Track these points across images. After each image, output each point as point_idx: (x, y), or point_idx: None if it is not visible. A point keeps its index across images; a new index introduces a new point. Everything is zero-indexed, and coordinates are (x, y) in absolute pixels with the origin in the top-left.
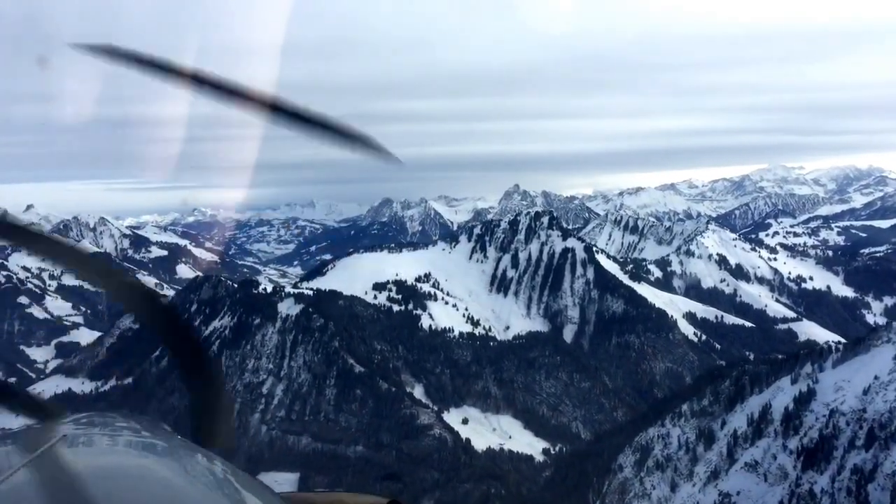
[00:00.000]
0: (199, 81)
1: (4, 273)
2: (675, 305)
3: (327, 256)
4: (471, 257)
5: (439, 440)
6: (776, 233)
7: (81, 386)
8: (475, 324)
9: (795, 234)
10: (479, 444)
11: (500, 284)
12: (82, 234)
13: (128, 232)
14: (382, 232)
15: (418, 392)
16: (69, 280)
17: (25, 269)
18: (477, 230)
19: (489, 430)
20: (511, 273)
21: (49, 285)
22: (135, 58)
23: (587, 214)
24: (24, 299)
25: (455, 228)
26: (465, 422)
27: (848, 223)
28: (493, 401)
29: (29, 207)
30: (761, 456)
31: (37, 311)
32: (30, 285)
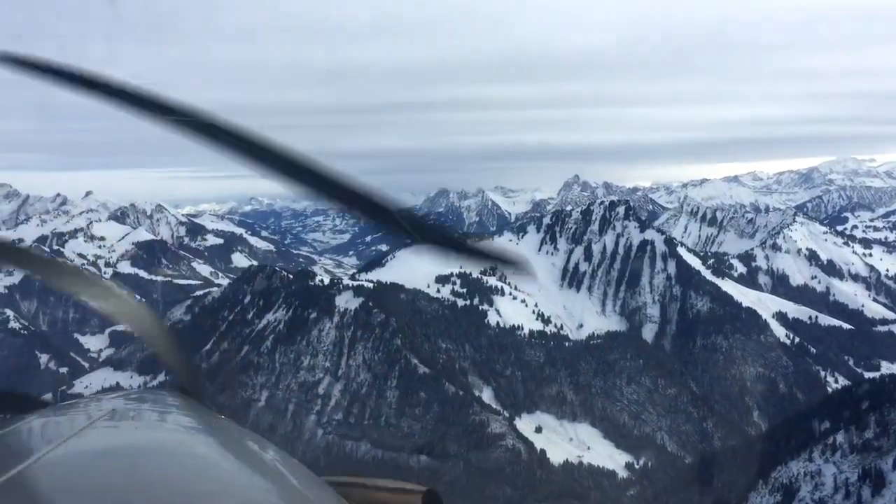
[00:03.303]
0: (117, 93)
1: (60, 260)
2: (763, 304)
3: (383, 247)
4: (540, 249)
5: (512, 451)
6: (855, 227)
7: (130, 380)
8: (546, 321)
9: (875, 229)
10: (556, 457)
11: (571, 279)
12: (139, 220)
13: (184, 219)
14: (439, 222)
15: (487, 396)
16: (124, 268)
17: (81, 255)
18: (546, 220)
19: (565, 440)
20: (584, 267)
21: (105, 272)
22: (43, 67)
23: (651, 206)
24: None
25: (513, 220)
26: (538, 430)
27: None
28: (569, 407)
29: (88, 194)
30: None
31: None
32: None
